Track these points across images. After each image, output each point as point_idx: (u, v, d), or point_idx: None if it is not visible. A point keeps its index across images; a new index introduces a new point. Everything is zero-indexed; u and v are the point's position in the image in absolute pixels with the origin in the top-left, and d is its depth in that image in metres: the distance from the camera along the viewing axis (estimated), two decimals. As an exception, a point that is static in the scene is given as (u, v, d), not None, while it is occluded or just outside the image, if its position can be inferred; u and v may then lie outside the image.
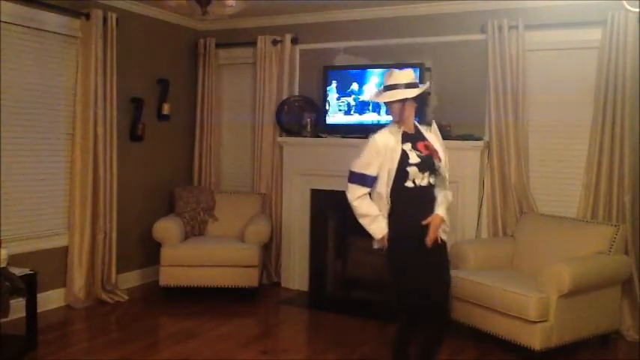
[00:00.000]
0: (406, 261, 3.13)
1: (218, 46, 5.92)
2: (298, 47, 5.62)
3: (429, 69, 4.94)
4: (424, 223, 3.11)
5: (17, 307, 3.82)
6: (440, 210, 3.16)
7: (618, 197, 4.35)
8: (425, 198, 3.16)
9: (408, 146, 3.12)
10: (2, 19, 4.24)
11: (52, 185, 4.76)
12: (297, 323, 4.79)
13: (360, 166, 3.16)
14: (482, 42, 4.81)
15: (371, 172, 3.12)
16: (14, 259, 3.98)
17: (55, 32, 4.65)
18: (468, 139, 4.72)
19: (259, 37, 5.66)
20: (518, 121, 4.67)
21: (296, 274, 5.49)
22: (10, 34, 4.35)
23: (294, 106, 5.52)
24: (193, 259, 4.98)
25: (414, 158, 3.10)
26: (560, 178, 4.66)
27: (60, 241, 4.81)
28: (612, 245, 4.04)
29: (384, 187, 3.10)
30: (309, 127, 5.33)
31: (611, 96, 4.35)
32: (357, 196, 3.15)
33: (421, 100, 3.24)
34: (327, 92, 5.26)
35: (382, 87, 3.22)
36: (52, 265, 4.69)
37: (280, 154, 5.60)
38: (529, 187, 4.69)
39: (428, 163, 3.13)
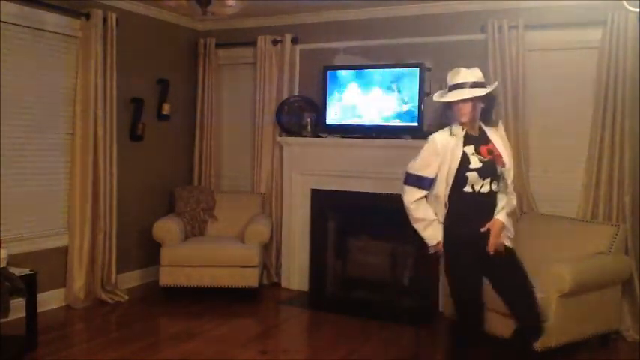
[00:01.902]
0: (463, 269, 2.99)
1: (218, 46, 5.92)
2: (298, 47, 5.62)
3: (429, 69, 4.93)
4: (483, 230, 2.97)
5: (17, 307, 3.82)
6: (500, 215, 3.00)
7: (618, 197, 4.35)
8: (484, 205, 3.00)
9: (470, 149, 2.96)
10: (2, 19, 4.24)
11: (52, 185, 4.76)
12: (297, 323, 4.79)
13: (416, 168, 3.00)
14: (482, 42, 4.80)
15: (428, 174, 2.97)
16: (14, 259, 3.98)
17: (55, 32, 4.65)
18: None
19: (259, 37, 5.66)
20: (518, 121, 4.67)
21: (296, 274, 5.48)
22: (10, 34, 4.35)
23: (294, 106, 5.51)
24: (193, 259, 4.98)
25: (475, 163, 2.94)
26: (560, 178, 4.66)
27: (60, 241, 4.80)
28: (612, 245, 4.04)
29: (442, 190, 2.95)
30: (309, 127, 5.33)
31: (611, 96, 4.34)
32: (413, 199, 2.98)
33: (489, 102, 3.05)
34: (327, 92, 5.25)
35: (448, 86, 3.01)
36: (52, 265, 4.69)
37: (280, 154, 5.59)
38: (529, 187, 4.69)
39: (490, 170, 2.97)
